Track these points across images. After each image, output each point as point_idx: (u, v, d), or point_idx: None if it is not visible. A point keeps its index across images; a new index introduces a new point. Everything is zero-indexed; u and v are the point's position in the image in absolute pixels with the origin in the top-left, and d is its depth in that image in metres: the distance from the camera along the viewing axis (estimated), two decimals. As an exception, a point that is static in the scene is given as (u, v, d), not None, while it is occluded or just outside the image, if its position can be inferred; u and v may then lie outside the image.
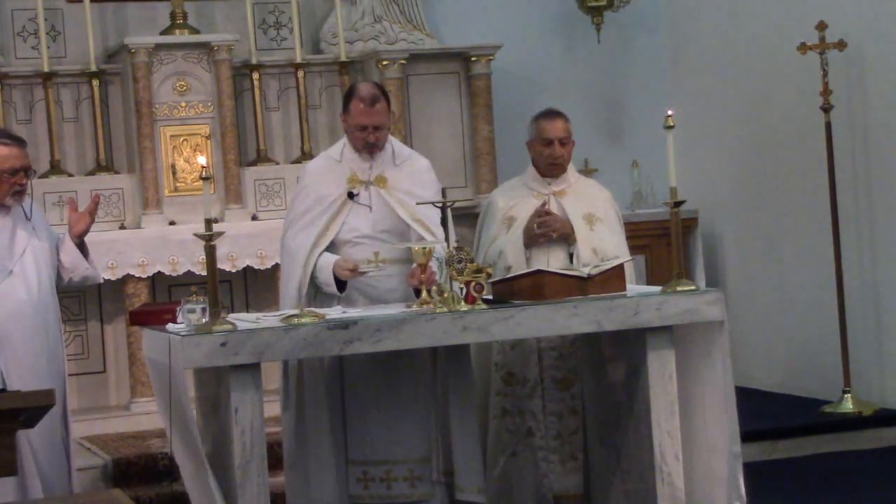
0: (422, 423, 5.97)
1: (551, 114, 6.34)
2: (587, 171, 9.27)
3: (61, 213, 7.90)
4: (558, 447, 6.23)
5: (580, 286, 5.60)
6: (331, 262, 5.84)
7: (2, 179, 5.81)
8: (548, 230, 6.11)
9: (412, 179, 6.05)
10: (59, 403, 5.88)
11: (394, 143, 6.11)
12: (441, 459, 5.99)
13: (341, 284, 5.84)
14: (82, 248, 6.04)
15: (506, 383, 6.26)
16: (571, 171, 6.41)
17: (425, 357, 5.94)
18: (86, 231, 6.01)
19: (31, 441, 5.73)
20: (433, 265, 5.71)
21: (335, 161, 6.05)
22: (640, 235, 8.90)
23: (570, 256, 6.16)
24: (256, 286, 8.53)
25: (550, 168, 6.31)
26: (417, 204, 5.95)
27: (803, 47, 8.07)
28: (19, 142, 5.97)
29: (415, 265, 5.63)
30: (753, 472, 7.33)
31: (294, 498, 5.96)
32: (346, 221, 5.93)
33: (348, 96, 6.00)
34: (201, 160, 5.71)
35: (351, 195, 5.94)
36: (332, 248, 5.93)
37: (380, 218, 5.96)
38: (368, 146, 5.95)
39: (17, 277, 5.84)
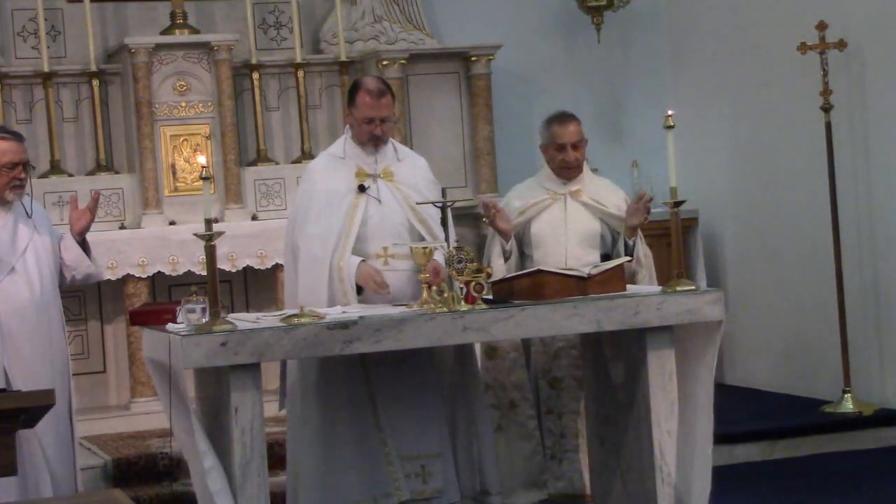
0: (433, 418, 5.97)
1: (563, 118, 6.37)
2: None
3: (61, 213, 7.91)
4: (579, 446, 6.24)
5: (580, 286, 5.60)
6: (354, 267, 5.83)
7: (0, 173, 5.82)
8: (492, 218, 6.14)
9: (416, 175, 6.10)
10: (65, 402, 5.88)
11: (393, 141, 6.15)
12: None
13: (359, 287, 5.87)
14: (84, 245, 6.04)
15: (487, 357, 6.27)
16: (586, 170, 6.45)
17: (433, 354, 5.95)
18: (87, 228, 6.02)
19: (41, 440, 5.73)
20: (438, 259, 5.73)
21: (339, 158, 6.06)
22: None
23: (624, 245, 6.18)
24: (256, 286, 8.52)
25: (565, 172, 6.35)
26: (417, 204, 5.97)
27: (803, 47, 8.07)
28: (17, 136, 5.98)
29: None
30: (753, 472, 7.35)
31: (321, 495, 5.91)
32: (358, 215, 5.93)
33: (354, 89, 6.02)
34: (201, 160, 5.71)
35: (362, 188, 5.95)
36: None
37: (390, 211, 5.97)
38: (374, 139, 5.97)
39: (19, 275, 5.85)
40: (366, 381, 5.89)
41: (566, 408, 6.28)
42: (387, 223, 5.95)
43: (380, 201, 5.96)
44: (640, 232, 6.29)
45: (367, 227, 5.93)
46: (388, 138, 6.06)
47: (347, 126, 6.11)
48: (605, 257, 6.28)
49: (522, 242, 6.36)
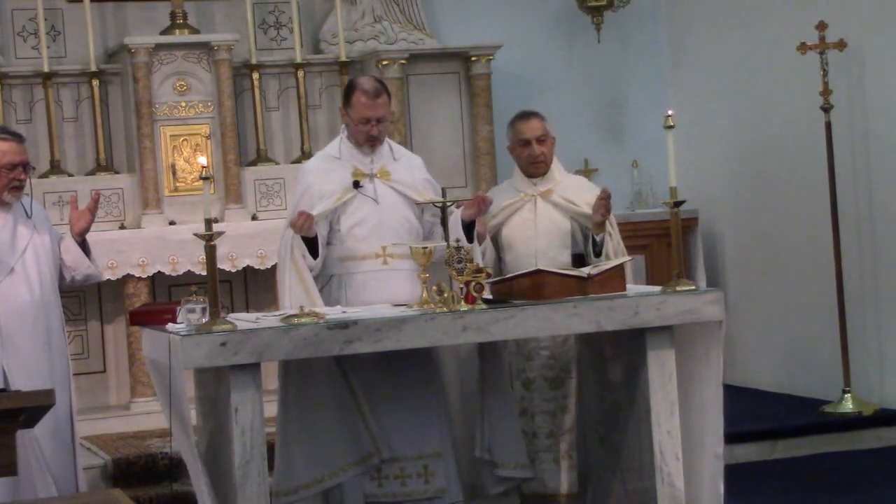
0: (433, 417, 5.96)
1: (525, 115, 6.44)
2: (587, 171, 9.27)
3: (61, 213, 7.91)
4: (551, 445, 6.25)
5: (580, 286, 5.60)
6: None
7: (0, 174, 5.82)
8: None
9: (412, 174, 6.10)
10: (66, 403, 5.88)
11: (388, 140, 6.16)
12: (484, 438, 6.02)
13: (313, 250, 5.84)
14: (84, 246, 6.04)
15: None
16: (558, 169, 6.44)
17: (430, 352, 5.95)
18: (87, 229, 6.01)
19: (41, 441, 5.72)
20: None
21: (335, 158, 6.05)
22: (640, 235, 8.89)
23: (593, 243, 6.19)
24: (256, 286, 8.53)
25: (533, 167, 6.37)
26: (418, 204, 5.99)
27: (803, 47, 8.07)
28: (17, 137, 5.97)
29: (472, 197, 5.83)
30: (753, 472, 7.35)
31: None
32: (354, 214, 5.94)
33: (349, 90, 6.01)
34: (201, 160, 5.70)
35: (357, 184, 5.95)
36: (337, 243, 5.94)
37: (387, 210, 5.97)
38: (371, 139, 5.97)
39: (18, 275, 5.84)
40: (343, 376, 5.87)
41: (538, 408, 6.29)
42: (385, 223, 5.95)
43: (377, 201, 5.96)
44: (614, 228, 6.26)
45: (364, 226, 5.94)
46: (384, 138, 6.06)
47: (343, 126, 6.11)
48: (578, 256, 6.29)
49: (497, 245, 6.38)
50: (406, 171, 6.08)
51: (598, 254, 6.19)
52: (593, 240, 6.22)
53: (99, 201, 6.08)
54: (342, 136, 6.09)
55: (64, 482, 5.86)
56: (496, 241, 6.38)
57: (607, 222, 6.19)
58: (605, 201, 6.11)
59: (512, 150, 6.45)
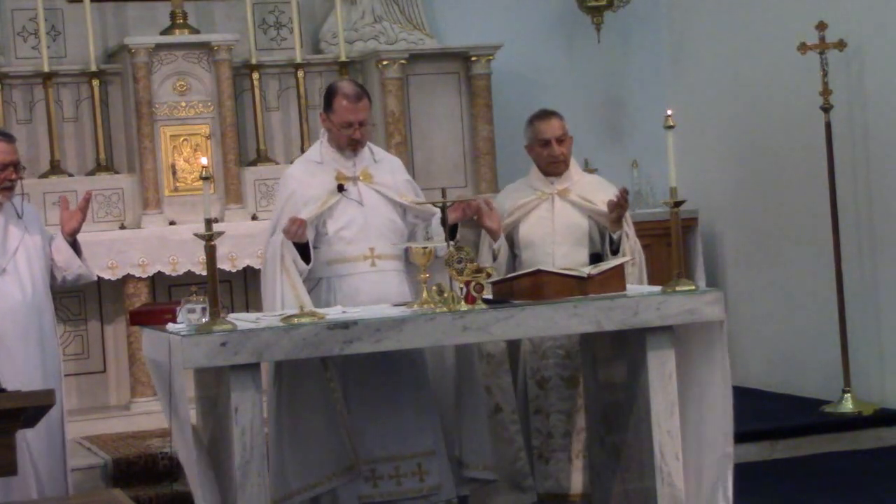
0: (426, 415, 5.97)
1: (545, 114, 6.42)
2: (587, 171, 9.26)
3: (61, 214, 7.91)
4: (567, 445, 6.24)
5: (580, 286, 5.60)
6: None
7: None
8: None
9: (393, 176, 6.14)
10: (57, 404, 5.86)
11: (368, 143, 6.17)
12: (458, 438, 6.06)
13: (305, 256, 5.85)
14: (75, 246, 6.03)
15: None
16: (575, 168, 6.46)
17: (422, 351, 5.96)
18: (77, 229, 6.00)
19: (29, 442, 5.71)
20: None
21: (316, 163, 6.07)
22: (640, 235, 8.82)
23: (610, 241, 6.19)
24: (256, 286, 8.48)
25: (552, 167, 6.37)
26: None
27: (803, 47, 8.08)
28: (8, 137, 5.97)
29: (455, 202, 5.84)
30: (753, 472, 7.35)
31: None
32: (340, 217, 5.95)
33: (330, 95, 6.03)
34: (203, 160, 5.71)
35: (341, 188, 5.97)
36: (324, 246, 5.95)
37: (371, 212, 5.99)
38: (353, 142, 5.99)
39: (10, 276, 5.84)
40: (329, 382, 5.87)
41: (553, 407, 6.30)
42: (370, 224, 5.98)
43: (361, 204, 5.98)
44: (630, 229, 6.28)
45: (351, 229, 5.96)
46: (366, 142, 6.07)
47: (323, 130, 6.12)
48: (595, 255, 6.29)
49: (513, 244, 6.38)
50: (387, 173, 6.12)
51: (615, 251, 6.20)
52: (610, 238, 6.23)
53: (90, 201, 6.07)
54: (322, 140, 6.11)
55: (54, 483, 5.85)
56: (511, 239, 6.38)
57: (623, 220, 6.21)
58: (623, 194, 6.13)
59: (530, 149, 6.44)
